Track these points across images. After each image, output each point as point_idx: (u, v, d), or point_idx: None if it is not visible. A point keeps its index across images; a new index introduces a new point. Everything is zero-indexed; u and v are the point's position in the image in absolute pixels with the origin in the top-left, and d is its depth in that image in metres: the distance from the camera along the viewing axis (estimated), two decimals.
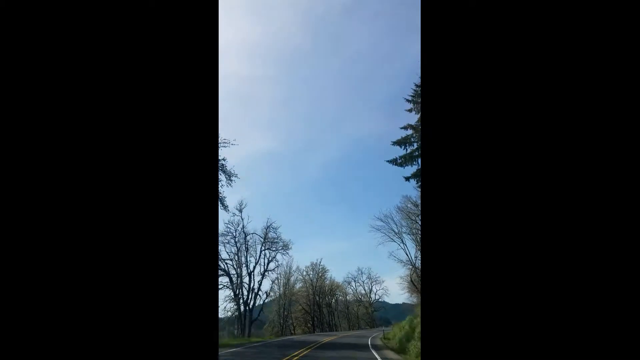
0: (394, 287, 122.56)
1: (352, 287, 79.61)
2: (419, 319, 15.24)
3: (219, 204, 20.03)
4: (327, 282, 64.93)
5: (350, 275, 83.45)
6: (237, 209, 34.41)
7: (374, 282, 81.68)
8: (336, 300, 70.49)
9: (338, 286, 66.57)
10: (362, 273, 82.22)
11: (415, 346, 12.28)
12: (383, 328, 64.07)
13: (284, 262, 72.21)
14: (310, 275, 62.94)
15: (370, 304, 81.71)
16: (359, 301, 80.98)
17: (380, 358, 12.59)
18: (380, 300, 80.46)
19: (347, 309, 74.39)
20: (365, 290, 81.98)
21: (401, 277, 70.77)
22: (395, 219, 30.33)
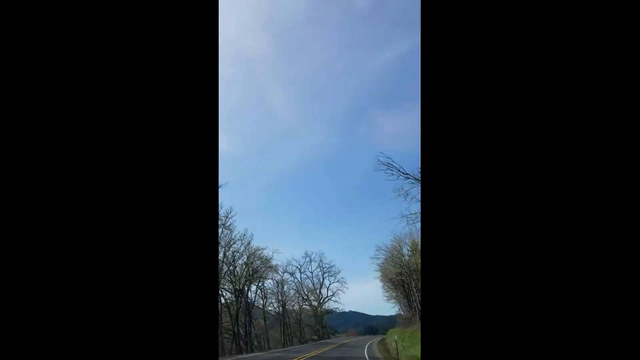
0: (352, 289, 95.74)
1: (295, 280, 52.17)
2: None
3: None
4: (239, 247, 32.63)
5: (294, 263, 57.25)
6: None
7: (327, 274, 55.14)
8: (262, 292, 42.90)
9: (267, 262, 36.12)
10: (310, 260, 56.36)
11: None
12: (334, 340, 39.40)
13: None
14: None
15: (320, 303, 54.01)
16: (304, 300, 53.23)
17: None
18: (334, 299, 53.85)
19: (283, 309, 46.77)
20: (313, 284, 55.34)
21: (378, 248, 46.32)
22: None
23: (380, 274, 52.35)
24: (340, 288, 56.48)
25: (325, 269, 55.89)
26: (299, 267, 54.46)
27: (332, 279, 56.16)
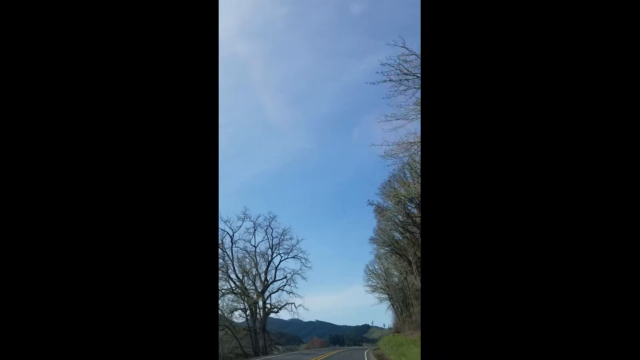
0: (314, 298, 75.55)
1: (223, 255, 29.29)
2: None
3: None
4: None
5: (224, 228, 34.34)
6: None
7: (279, 247, 32.57)
8: None
9: None
10: (255, 227, 34.16)
11: None
12: None
13: None
14: None
15: (262, 292, 30.92)
16: (234, 285, 30.19)
17: None
18: (288, 288, 31.23)
19: None
20: (256, 262, 33.06)
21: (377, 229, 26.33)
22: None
23: (375, 227, 31.03)
24: (299, 271, 34.21)
25: (276, 240, 33.84)
26: (231, 234, 32.18)
27: (284, 254, 34.12)
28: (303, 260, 34.19)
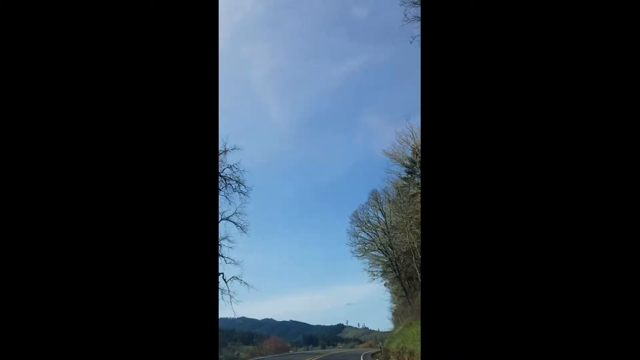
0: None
1: None
2: None
3: None
4: None
5: None
6: None
7: None
8: None
9: None
10: None
11: None
12: None
13: None
14: None
15: None
16: None
17: None
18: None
19: None
20: None
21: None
22: None
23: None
24: (232, 217, 18.46)
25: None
26: None
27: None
28: (235, 185, 17.40)
